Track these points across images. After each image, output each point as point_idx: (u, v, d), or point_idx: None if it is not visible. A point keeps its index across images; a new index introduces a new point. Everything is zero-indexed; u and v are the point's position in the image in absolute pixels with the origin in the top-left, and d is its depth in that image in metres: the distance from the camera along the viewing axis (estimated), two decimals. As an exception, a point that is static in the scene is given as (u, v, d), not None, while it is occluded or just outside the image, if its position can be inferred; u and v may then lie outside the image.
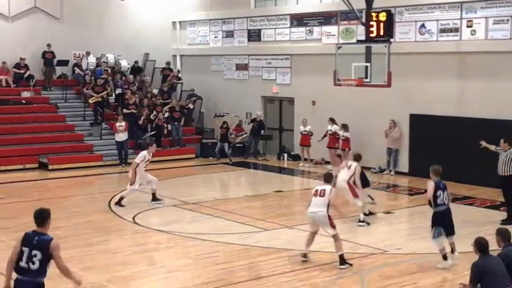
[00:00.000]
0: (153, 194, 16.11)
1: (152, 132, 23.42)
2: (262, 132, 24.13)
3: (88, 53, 25.84)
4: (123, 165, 21.51)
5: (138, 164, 15.73)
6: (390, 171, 20.66)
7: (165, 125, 24.16)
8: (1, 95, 23.60)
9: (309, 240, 11.33)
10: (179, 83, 27.05)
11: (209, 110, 26.47)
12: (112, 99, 24.61)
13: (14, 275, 7.32)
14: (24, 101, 23.76)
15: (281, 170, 22.17)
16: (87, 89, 24.46)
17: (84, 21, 26.07)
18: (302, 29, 23.61)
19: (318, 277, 10.62)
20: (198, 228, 13.87)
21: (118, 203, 15.71)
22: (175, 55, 28.40)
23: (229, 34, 26.51)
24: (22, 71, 24.61)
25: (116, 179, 20.14)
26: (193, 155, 24.31)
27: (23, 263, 7.17)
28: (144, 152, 16.11)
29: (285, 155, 23.85)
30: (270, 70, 24.95)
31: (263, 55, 25.09)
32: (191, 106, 25.68)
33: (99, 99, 23.81)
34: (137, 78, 26.29)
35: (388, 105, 20.58)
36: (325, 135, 21.56)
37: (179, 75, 27.31)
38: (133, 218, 14.63)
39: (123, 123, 22.14)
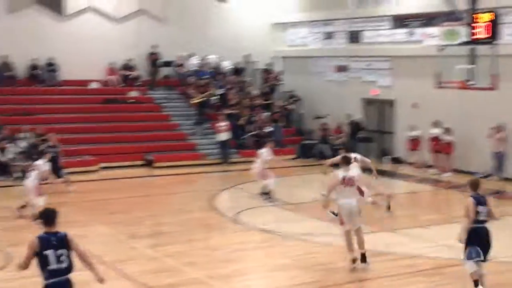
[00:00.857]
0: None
1: (253, 133, 23.74)
2: (360, 134, 23.94)
3: (191, 55, 26.51)
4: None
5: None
6: (497, 176, 20.00)
7: (265, 125, 24.42)
8: (110, 94, 24.60)
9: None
10: (279, 84, 27.28)
11: (309, 111, 26.55)
12: (214, 99, 25.15)
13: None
14: (131, 101, 24.68)
15: (381, 173, 21.92)
16: (190, 90, 25.12)
17: (187, 23, 26.73)
18: (403, 30, 23.28)
19: (421, 282, 10.47)
20: (298, 228, 13.95)
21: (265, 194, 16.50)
22: (276, 57, 28.66)
23: (329, 36, 26.49)
24: (129, 72, 25.57)
25: (218, 178, 20.57)
26: (293, 156, 24.45)
27: (53, 266, 7.10)
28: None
29: (386, 158, 23.59)
30: (370, 72, 24.73)
31: (363, 57, 24.91)
32: (291, 107, 25.86)
33: (202, 99, 24.40)
34: (238, 79, 26.73)
35: (495, 108, 19.92)
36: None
37: (279, 76, 27.56)
38: (234, 216, 14.91)
39: (225, 123, 22.59)
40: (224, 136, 22.57)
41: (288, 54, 28.34)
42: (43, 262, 7.07)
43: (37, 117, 22.04)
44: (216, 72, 26.41)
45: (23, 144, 19.70)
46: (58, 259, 7.08)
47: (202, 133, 24.05)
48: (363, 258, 10.85)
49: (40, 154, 16.70)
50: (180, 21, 26.64)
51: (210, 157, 22.76)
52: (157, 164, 21.90)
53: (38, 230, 12.87)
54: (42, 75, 24.08)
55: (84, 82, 24.78)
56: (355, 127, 23.84)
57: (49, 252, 7.05)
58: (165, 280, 10.36)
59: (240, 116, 23.79)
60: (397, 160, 23.06)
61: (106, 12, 25.50)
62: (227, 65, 27.02)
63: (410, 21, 22.98)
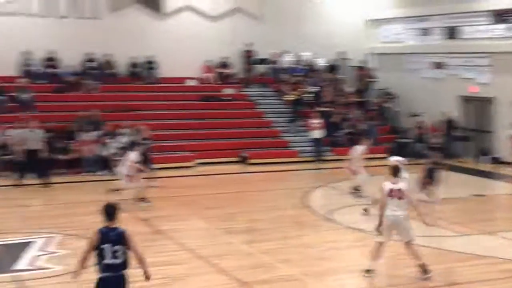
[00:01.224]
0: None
1: (347, 131, 23.65)
2: (456, 132, 23.37)
3: (285, 52, 26.67)
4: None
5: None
6: None
7: (359, 123, 24.29)
8: (206, 92, 25.13)
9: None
10: (374, 81, 27.03)
11: (404, 109, 26.16)
12: (308, 96, 25.21)
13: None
14: (226, 98, 25.12)
15: (479, 173, 21.38)
16: (284, 87, 25.30)
17: (282, 20, 26.91)
18: (503, 25, 22.55)
19: (517, 288, 10.24)
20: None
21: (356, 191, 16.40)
22: (370, 53, 28.40)
23: (425, 32, 26.00)
24: (225, 69, 26.02)
25: (311, 176, 20.64)
26: (387, 154, 24.14)
27: (108, 260, 7.25)
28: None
29: (485, 157, 22.95)
30: (468, 68, 24.11)
31: (461, 53, 24.31)
32: (386, 105, 25.59)
33: (296, 96, 24.53)
34: (332, 76, 26.67)
35: None
36: None
37: (373, 73, 27.31)
38: (327, 214, 14.95)
39: (318, 121, 22.63)
40: (317, 133, 22.62)
41: (382, 50, 28.02)
42: (100, 255, 7.25)
43: (137, 114, 22.78)
44: (310, 69, 26.47)
45: (123, 139, 20.44)
46: (114, 254, 7.24)
47: (295, 130, 24.19)
48: (423, 271, 10.39)
49: (133, 146, 17.23)
50: (275, 19, 26.85)
51: (303, 155, 22.85)
52: (252, 161, 22.21)
53: (136, 223, 13.47)
54: (142, 72, 24.88)
55: (181, 80, 25.41)
56: (450, 125, 23.31)
57: (106, 246, 7.22)
58: (260, 276, 10.53)
59: (334, 114, 23.73)
60: (496, 160, 22.38)
61: (203, 11, 26.03)
62: (321, 62, 27.02)
63: (510, 15, 22.24)
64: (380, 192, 10.45)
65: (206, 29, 26.07)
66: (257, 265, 11.21)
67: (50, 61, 23.56)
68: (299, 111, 24.70)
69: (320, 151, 22.65)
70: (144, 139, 19.41)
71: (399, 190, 10.30)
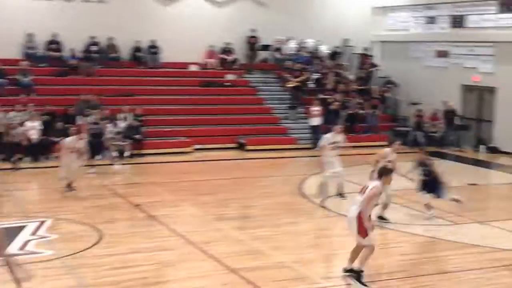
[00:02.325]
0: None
1: (344, 118, 23.57)
2: (456, 121, 23.25)
3: (289, 38, 26.54)
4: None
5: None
6: None
7: (359, 111, 24.21)
8: (208, 77, 25.08)
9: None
10: (376, 69, 26.89)
11: (406, 97, 26.03)
12: (310, 83, 25.11)
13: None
14: (227, 84, 25.06)
15: (477, 163, 21.32)
16: (286, 74, 25.22)
17: (287, 7, 26.79)
18: (509, 15, 22.36)
19: (507, 277, 10.19)
20: (386, 217, 13.80)
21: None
22: (375, 41, 28.25)
23: (431, 20, 25.82)
24: (227, 55, 25.94)
25: (308, 163, 20.58)
26: (386, 143, 24.04)
27: None
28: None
29: (483, 147, 22.86)
30: (472, 58, 23.95)
31: (466, 42, 24.14)
32: (388, 94, 25.49)
33: (297, 83, 24.44)
34: (335, 64, 26.54)
35: None
36: None
37: (375, 61, 27.16)
38: (321, 202, 14.88)
39: (318, 108, 22.55)
40: (316, 121, 22.55)
41: (387, 38, 27.86)
42: None
43: (137, 98, 22.76)
44: (313, 56, 26.34)
45: (122, 124, 20.46)
46: None
47: (295, 117, 24.12)
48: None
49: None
50: (280, 5, 26.75)
51: (301, 142, 22.81)
52: (249, 147, 22.19)
53: (129, 209, 13.50)
54: (145, 57, 24.85)
55: (184, 65, 25.36)
56: (451, 114, 23.19)
57: None
58: (250, 263, 10.52)
59: (334, 101, 23.64)
60: (494, 150, 22.28)
61: (210, -4, 25.97)
62: (324, 49, 26.89)
63: (517, 5, 22.10)
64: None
65: (211, 14, 25.97)
66: (248, 251, 11.22)
67: (53, 44, 23.55)
68: (300, 98, 24.63)
69: (318, 138, 22.53)
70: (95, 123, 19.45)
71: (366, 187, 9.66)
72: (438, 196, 13.28)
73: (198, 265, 10.49)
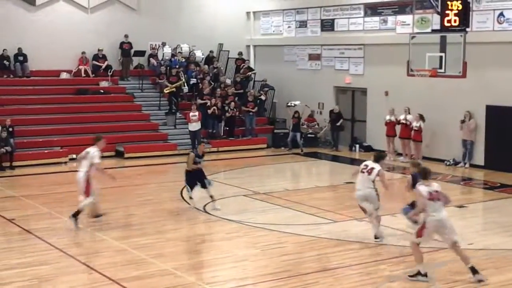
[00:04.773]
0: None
1: (223, 122, 23.67)
2: (339, 123, 23.93)
3: (164, 44, 26.30)
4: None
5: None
6: (465, 163, 20.19)
7: (237, 115, 24.38)
8: (81, 85, 24.38)
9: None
10: (252, 73, 27.19)
11: (282, 100, 26.50)
12: (186, 89, 25.01)
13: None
14: (102, 91, 24.46)
15: (353, 161, 22.03)
16: (162, 79, 24.96)
17: (160, 12, 26.57)
18: (376, 18, 23.31)
19: (386, 270, 10.54)
20: (268, 218, 13.93)
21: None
22: (249, 45, 28.56)
23: (302, 24, 26.46)
24: (101, 62, 25.32)
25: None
26: (265, 145, 24.44)
27: None
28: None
29: (357, 146, 23.69)
30: (343, 60, 24.75)
31: (336, 45, 24.91)
32: (263, 97, 25.83)
33: (174, 89, 24.25)
34: (211, 68, 26.58)
35: (464, 96, 20.10)
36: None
37: (251, 65, 27.49)
38: (204, 207, 14.83)
39: (196, 113, 22.48)
40: (195, 126, 22.46)
41: (261, 42, 28.29)
42: None
43: (6, 109, 21.74)
44: (189, 61, 26.24)
45: (-10, 135, 19.46)
46: None
47: (174, 123, 23.91)
48: (473, 271, 9.92)
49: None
50: (152, 10, 26.54)
51: (182, 147, 22.64)
52: (128, 155, 21.76)
53: (2, 224, 12.64)
54: (12, 66, 23.78)
55: (56, 73, 24.55)
56: (337, 116, 23.81)
57: None
58: (132, 273, 10.31)
59: (212, 106, 23.67)
60: (368, 148, 23.14)
61: (77, 1, 25.20)
62: (199, 54, 26.85)
63: (383, 8, 23.03)
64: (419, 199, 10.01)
65: (81, 20, 25.32)
66: (130, 261, 10.97)
67: None
68: (177, 103, 24.46)
69: (198, 143, 22.45)
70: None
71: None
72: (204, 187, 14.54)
73: (78, 277, 10.17)
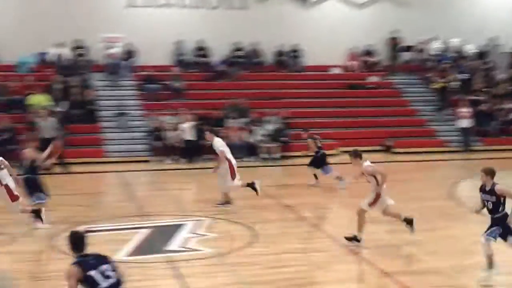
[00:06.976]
0: None
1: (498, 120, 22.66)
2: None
3: (433, 38, 25.92)
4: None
5: None
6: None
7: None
8: (350, 80, 25.02)
9: None
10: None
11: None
12: (456, 84, 24.40)
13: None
14: (371, 86, 24.86)
15: None
16: (431, 74, 24.64)
17: (429, 6, 26.27)
18: None
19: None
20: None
21: None
22: (525, 39, 26.98)
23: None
24: (370, 57, 25.73)
25: (458, 166, 19.97)
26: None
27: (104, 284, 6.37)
28: None
29: None
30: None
31: None
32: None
33: (444, 84, 23.81)
34: (482, 64, 25.61)
35: None
36: None
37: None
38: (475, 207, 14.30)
39: (467, 109, 21.85)
40: (465, 122, 21.86)
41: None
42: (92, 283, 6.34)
43: (282, 101, 23.10)
44: (459, 56, 25.57)
45: (269, 127, 20.86)
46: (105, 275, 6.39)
47: (442, 119, 23.50)
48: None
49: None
50: (422, 4, 26.29)
51: (450, 144, 22.18)
52: (396, 150, 21.87)
53: (280, 209, 13.66)
54: (287, 61, 25.19)
55: (326, 68, 25.49)
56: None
57: (93, 273, 6.32)
58: (404, 267, 10.37)
59: (484, 103, 22.80)
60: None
61: (348, -1, 25.94)
62: (470, 48, 26.01)
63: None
64: None
65: (351, 17, 25.97)
66: (400, 255, 11.04)
67: (201, 51, 24.47)
68: (446, 99, 23.97)
69: (468, 141, 21.86)
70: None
71: None
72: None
73: (349, 267, 10.44)
